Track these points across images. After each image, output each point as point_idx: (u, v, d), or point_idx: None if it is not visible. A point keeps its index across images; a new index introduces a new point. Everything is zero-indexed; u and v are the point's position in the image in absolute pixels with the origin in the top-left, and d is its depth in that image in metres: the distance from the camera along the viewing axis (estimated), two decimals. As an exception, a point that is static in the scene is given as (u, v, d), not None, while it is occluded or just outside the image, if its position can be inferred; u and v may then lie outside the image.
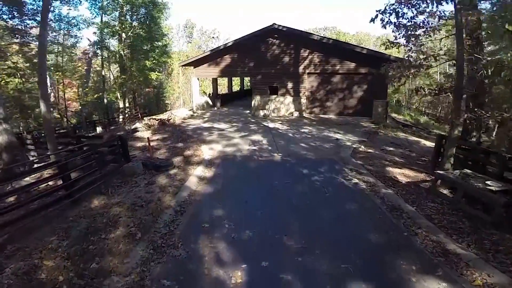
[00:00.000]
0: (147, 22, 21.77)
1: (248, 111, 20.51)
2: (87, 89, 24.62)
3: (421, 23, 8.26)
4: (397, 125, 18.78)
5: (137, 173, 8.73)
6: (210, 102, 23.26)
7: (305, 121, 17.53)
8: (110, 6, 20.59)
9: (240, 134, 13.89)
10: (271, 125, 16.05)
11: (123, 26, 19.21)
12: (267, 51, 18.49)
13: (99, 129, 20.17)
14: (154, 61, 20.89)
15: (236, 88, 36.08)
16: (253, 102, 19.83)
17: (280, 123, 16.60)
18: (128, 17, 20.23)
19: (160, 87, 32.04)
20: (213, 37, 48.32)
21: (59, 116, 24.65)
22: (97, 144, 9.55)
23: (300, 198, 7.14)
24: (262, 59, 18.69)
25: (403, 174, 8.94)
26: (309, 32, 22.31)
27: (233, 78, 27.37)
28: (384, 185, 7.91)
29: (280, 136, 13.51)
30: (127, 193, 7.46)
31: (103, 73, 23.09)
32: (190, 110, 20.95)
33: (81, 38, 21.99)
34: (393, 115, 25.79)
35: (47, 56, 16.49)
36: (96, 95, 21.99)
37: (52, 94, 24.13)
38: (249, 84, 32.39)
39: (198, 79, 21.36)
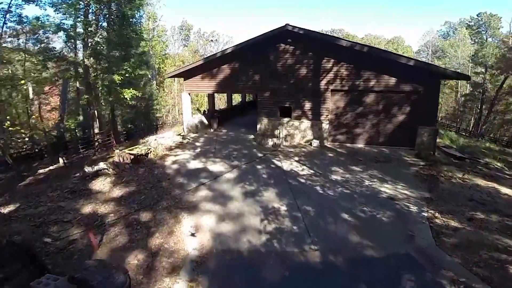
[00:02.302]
0: (118, 22, 16.24)
1: (252, 136, 16.01)
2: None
3: None
4: (449, 157, 14.25)
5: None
6: (206, 121, 18.75)
7: (330, 154, 13.04)
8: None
9: (244, 189, 9.38)
10: (285, 165, 11.54)
11: (88, 28, 14.58)
12: (278, 60, 14.01)
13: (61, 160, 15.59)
14: (127, 75, 15.36)
15: (237, 98, 31.59)
16: (258, 126, 15.33)
17: (298, 161, 12.09)
18: (92, 16, 15.57)
19: (150, 98, 27.57)
20: (211, 40, 43.91)
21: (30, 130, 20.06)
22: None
23: None
24: (271, 70, 14.21)
25: None
26: (334, 36, 17.65)
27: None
28: None
29: (305, 195, 9.00)
30: None
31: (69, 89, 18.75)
32: (179, 135, 16.47)
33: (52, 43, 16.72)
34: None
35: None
36: (58, 118, 17.29)
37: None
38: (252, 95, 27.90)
39: (189, 94, 16.86)
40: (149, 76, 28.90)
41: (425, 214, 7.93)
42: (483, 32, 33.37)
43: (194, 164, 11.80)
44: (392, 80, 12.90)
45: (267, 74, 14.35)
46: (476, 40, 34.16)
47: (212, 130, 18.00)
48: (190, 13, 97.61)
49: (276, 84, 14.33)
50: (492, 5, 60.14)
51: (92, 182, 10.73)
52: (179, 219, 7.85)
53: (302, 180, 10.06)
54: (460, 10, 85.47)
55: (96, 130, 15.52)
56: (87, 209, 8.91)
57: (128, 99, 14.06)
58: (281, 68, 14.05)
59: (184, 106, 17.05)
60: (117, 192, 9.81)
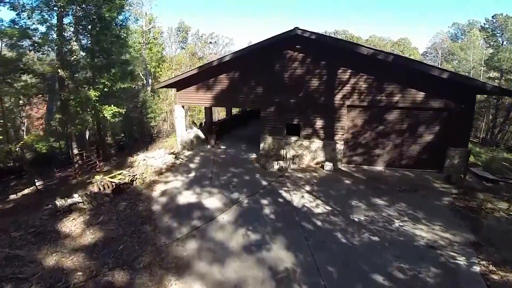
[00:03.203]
0: (96, 26, 13.28)
1: (254, 155, 14.15)
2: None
3: None
4: (481, 181, 12.36)
5: None
6: (202, 135, 16.87)
7: (346, 181, 11.17)
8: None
9: (246, 239, 7.49)
10: (296, 198, 9.66)
11: (62, 34, 12.43)
12: (285, 70, 12.13)
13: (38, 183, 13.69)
14: (106, 89, 12.63)
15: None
16: (262, 145, 13.45)
17: (310, 192, 10.20)
18: (67, 19, 13.50)
19: (143, 107, 25.63)
20: (210, 42, 42.04)
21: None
22: None
23: None
24: (276, 82, 12.33)
25: None
26: (352, 42, 15.71)
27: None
28: None
29: (325, 246, 7.10)
30: None
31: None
32: (171, 153, 14.58)
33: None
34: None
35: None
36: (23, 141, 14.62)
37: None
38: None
39: (183, 107, 14.98)
40: (144, 81, 27.08)
41: (477, 268, 6.29)
42: (498, 35, 31.48)
43: (187, 197, 9.91)
44: (420, 95, 11.03)
45: (272, 86, 12.46)
46: (491, 44, 32.26)
47: (209, 147, 16.12)
48: (188, 15, 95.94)
49: (282, 98, 12.43)
50: (499, 7, 58.48)
51: (63, 221, 8.88)
52: (164, 286, 5.98)
53: (319, 223, 8.17)
54: (468, 11, 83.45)
55: (76, 151, 13.52)
56: (51, 261, 7.13)
57: (109, 118, 11.91)
58: (288, 79, 12.16)
59: (177, 120, 15.16)
60: (90, 237, 7.96)
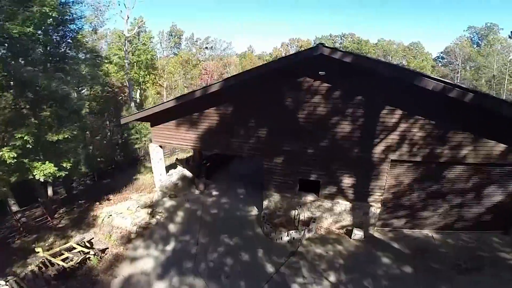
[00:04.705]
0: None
1: (254, 210, 10.64)
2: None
3: None
4: None
5: None
6: (189, 174, 13.27)
7: (384, 259, 7.98)
8: None
9: None
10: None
11: None
12: (300, 106, 8.43)
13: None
14: (29, 145, 7.34)
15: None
16: (266, 203, 9.91)
17: (336, 286, 6.69)
18: None
19: (126, 127, 21.74)
20: (206, 47, 38.09)
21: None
22: None
23: None
24: (287, 123, 8.68)
25: None
26: (409, 69, 11.42)
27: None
28: None
29: None
30: None
31: None
32: (147, 207, 10.97)
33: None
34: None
35: None
36: None
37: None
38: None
39: (161, 146, 11.30)
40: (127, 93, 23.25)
41: None
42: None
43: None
44: (499, 148, 7.42)
45: (281, 128, 8.80)
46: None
47: (197, 192, 12.53)
48: (182, 19, 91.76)
49: (295, 146, 8.78)
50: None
51: None
52: None
53: None
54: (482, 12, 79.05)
55: (16, 207, 9.70)
56: None
57: (41, 180, 7.70)
58: (305, 120, 8.47)
59: (154, 161, 11.53)
60: None
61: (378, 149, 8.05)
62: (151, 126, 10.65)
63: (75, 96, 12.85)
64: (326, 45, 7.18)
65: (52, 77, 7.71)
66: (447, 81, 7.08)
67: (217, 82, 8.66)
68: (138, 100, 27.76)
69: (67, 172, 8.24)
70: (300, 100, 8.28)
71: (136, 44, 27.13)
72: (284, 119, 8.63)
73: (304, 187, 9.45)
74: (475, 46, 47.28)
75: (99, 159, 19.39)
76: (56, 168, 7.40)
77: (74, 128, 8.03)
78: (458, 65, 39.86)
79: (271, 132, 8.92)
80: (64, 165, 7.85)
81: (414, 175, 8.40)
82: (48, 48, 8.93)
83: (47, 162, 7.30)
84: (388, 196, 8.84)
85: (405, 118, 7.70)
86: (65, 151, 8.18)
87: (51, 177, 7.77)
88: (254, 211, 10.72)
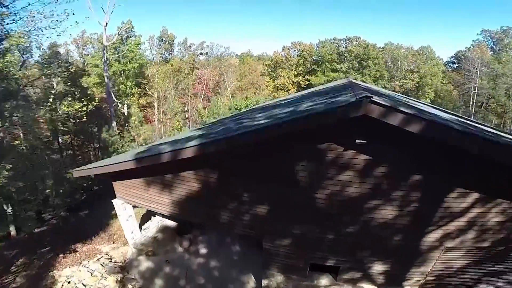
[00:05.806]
0: None
1: (251, 282, 8.01)
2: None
3: None
4: None
5: None
6: (171, 224, 10.66)
7: None
8: None
9: None
10: None
11: None
12: (320, 181, 5.51)
13: None
14: None
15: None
16: (265, 282, 7.26)
17: None
18: None
19: (107, 148, 18.47)
20: (201, 53, 35.32)
21: None
22: None
23: None
24: (297, 200, 5.84)
25: None
26: (500, 133, 7.47)
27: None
28: None
29: None
30: None
31: None
32: (115, 272, 8.33)
33: None
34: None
35: None
36: None
37: None
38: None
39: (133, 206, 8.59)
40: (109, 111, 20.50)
41: None
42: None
43: None
44: None
45: (288, 207, 5.99)
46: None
47: (181, 250, 9.82)
48: (174, 24, 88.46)
49: (307, 229, 6.03)
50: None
51: None
52: None
53: None
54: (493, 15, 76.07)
55: None
56: None
57: None
58: (326, 200, 5.67)
59: (122, 220, 8.84)
60: None
61: (432, 236, 5.35)
62: (113, 181, 7.92)
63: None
64: (377, 100, 4.28)
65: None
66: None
67: (190, 147, 5.73)
68: (126, 114, 24.96)
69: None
70: (320, 174, 5.47)
71: (123, 51, 24.39)
72: (293, 197, 5.84)
73: (316, 267, 6.71)
74: (489, 51, 44.42)
75: (73, 189, 16.74)
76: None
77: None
78: (476, 72, 36.85)
79: (274, 211, 6.14)
80: None
81: (473, 258, 5.71)
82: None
83: None
84: (430, 278, 6.16)
85: (482, 202, 4.97)
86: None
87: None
88: (252, 283, 8.10)
